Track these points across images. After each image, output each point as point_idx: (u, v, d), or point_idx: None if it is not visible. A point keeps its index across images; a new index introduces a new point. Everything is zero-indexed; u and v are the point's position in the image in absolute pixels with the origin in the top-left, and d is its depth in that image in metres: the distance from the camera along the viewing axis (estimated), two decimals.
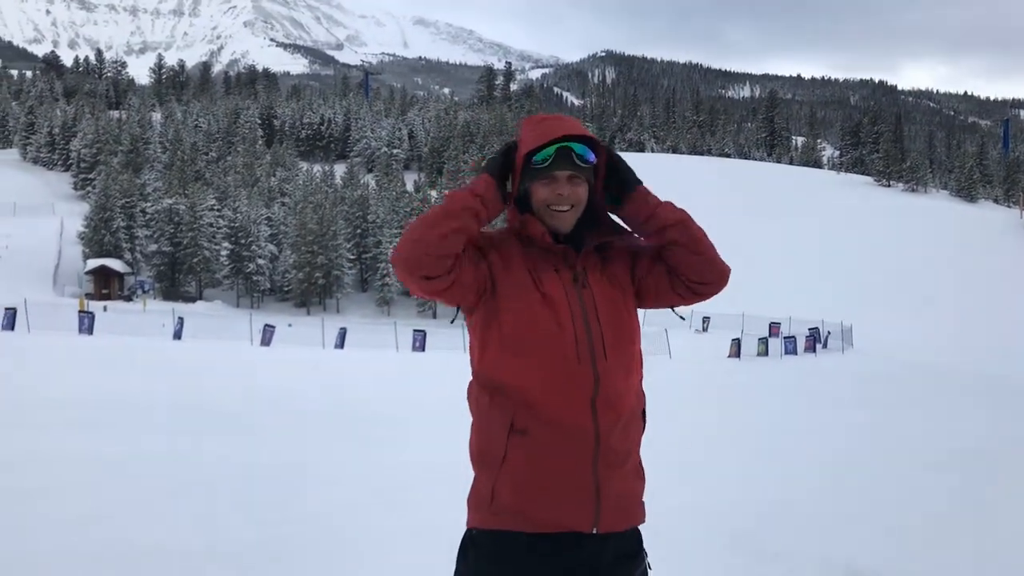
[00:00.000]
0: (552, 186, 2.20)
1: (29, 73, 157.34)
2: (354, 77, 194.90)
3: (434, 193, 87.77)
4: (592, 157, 2.22)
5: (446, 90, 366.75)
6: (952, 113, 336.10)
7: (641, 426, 2.28)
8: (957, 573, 5.09)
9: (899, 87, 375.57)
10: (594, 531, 2.13)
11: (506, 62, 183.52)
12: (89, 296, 63.20)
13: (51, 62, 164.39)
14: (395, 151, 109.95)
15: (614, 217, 2.32)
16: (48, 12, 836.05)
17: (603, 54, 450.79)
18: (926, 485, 9.75)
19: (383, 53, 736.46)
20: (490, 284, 2.18)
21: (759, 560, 5.21)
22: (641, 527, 2.29)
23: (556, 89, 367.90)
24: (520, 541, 2.12)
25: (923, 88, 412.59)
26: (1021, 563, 5.66)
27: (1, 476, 6.58)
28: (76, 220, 75.68)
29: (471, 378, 2.28)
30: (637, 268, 2.30)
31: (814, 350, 40.23)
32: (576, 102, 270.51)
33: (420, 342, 32.90)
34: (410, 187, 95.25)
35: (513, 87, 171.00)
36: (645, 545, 2.30)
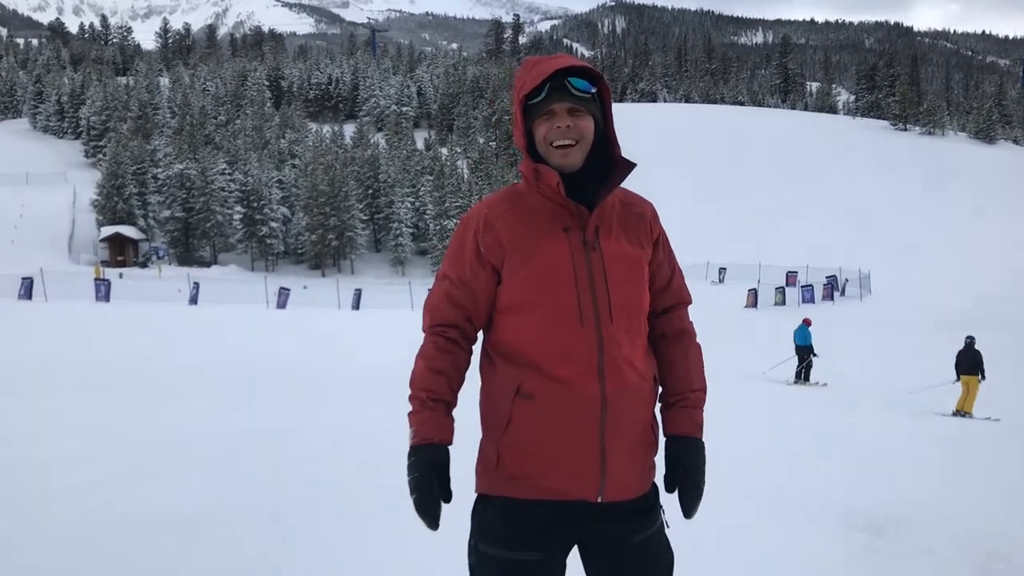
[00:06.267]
0: (552, 120, 2.10)
1: (35, 41, 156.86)
2: (361, 35, 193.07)
3: (444, 151, 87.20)
4: (591, 88, 2.12)
5: (454, 45, 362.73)
6: (970, 53, 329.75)
7: (653, 393, 2.21)
8: (980, 514, 5.03)
9: (915, 28, 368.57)
10: (599, 500, 2.08)
11: (514, 15, 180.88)
12: (104, 263, 63.56)
13: (56, 29, 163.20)
14: (404, 109, 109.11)
15: (628, 157, 2.21)
16: None
17: (612, 3, 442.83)
18: (940, 431, 9.69)
19: (389, 9, 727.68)
20: (500, 265, 2.14)
21: (779, 510, 5.17)
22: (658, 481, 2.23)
23: (566, 40, 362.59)
24: (526, 506, 2.07)
25: (939, 28, 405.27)
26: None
27: (20, 443, 6.60)
28: (88, 188, 75.83)
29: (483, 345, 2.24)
30: (654, 255, 2.25)
31: (832, 298, 40.03)
32: (586, 53, 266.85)
33: None
34: (420, 145, 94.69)
35: (522, 40, 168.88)
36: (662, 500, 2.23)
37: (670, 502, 2.22)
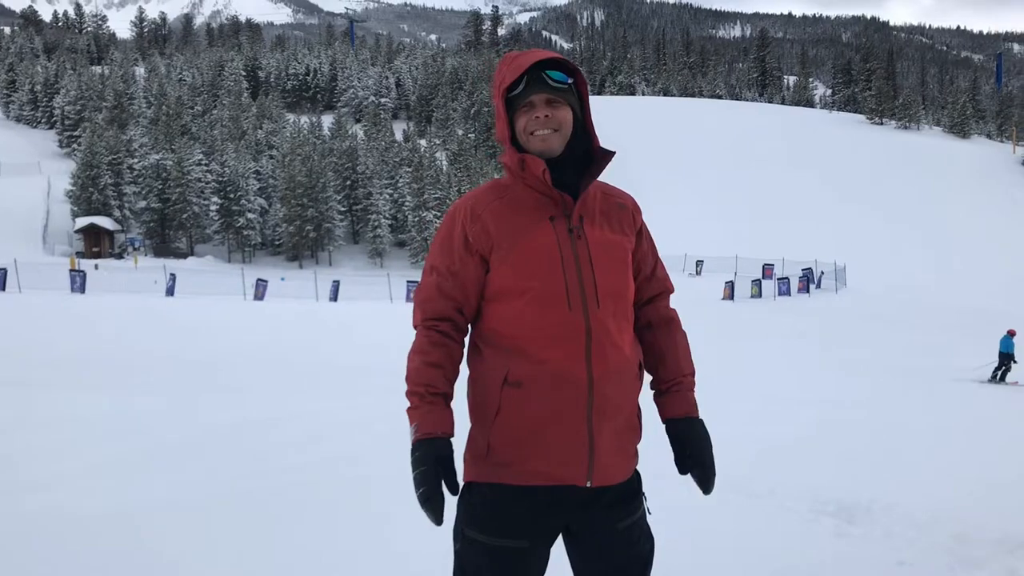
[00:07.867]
0: (531, 112, 2.18)
1: (7, 29, 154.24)
2: (339, 26, 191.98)
3: (423, 143, 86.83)
4: (567, 79, 2.20)
5: (433, 37, 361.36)
6: (945, 48, 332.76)
7: (639, 380, 2.26)
8: (945, 503, 5.14)
9: (891, 23, 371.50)
10: (588, 484, 2.14)
11: (493, 6, 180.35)
12: (80, 255, 62.87)
13: (29, 17, 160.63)
14: (383, 100, 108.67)
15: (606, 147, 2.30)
16: None
17: None
18: (910, 420, 9.85)
19: (367, 0, 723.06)
20: (487, 254, 2.18)
21: (752, 498, 5.27)
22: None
23: (545, 33, 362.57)
24: (516, 493, 2.12)
25: (915, 23, 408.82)
26: (1013, 495, 5.72)
27: None
28: (63, 178, 74.84)
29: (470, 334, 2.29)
30: (638, 246, 2.31)
31: (807, 291, 40.37)
32: (565, 45, 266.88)
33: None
34: (399, 136, 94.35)
35: (501, 32, 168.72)
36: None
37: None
